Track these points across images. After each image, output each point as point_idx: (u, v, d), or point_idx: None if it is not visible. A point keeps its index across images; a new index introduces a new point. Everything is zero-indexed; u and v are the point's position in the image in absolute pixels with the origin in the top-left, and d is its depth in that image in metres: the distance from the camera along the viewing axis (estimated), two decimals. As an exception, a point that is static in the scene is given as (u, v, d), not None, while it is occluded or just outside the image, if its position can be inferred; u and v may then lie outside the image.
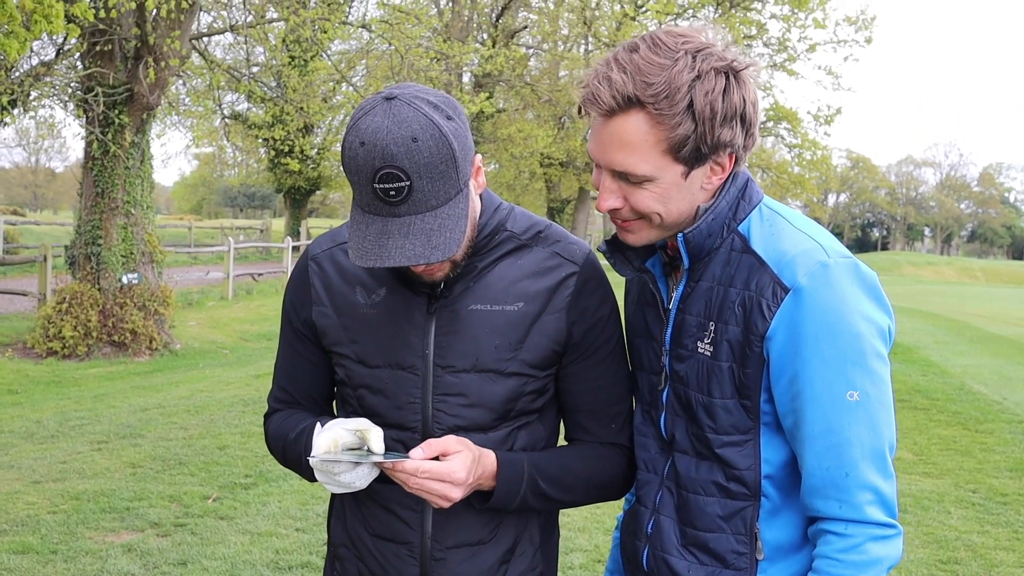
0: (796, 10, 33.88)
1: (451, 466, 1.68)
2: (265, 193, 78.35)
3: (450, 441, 1.71)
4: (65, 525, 5.52)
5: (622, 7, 33.23)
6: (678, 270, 1.77)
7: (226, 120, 26.61)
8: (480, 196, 1.83)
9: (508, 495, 1.79)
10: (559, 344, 1.83)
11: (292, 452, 1.92)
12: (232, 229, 44.80)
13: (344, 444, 1.72)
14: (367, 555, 1.91)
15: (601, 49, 32.67)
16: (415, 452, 1.68)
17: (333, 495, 2.02)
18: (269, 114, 18.93)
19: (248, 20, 13.99)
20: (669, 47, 1.55)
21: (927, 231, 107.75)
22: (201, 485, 6.41)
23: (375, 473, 1.74)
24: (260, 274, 23.55)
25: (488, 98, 25.22)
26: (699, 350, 1.68)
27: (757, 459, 1.65)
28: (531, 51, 32.29)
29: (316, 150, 34.12)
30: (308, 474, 1.87)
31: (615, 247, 1.81)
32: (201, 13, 15.23)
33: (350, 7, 27.35)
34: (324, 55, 19.14)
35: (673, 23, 35.18)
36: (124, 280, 13.47)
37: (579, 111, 1.65)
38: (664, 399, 1.78)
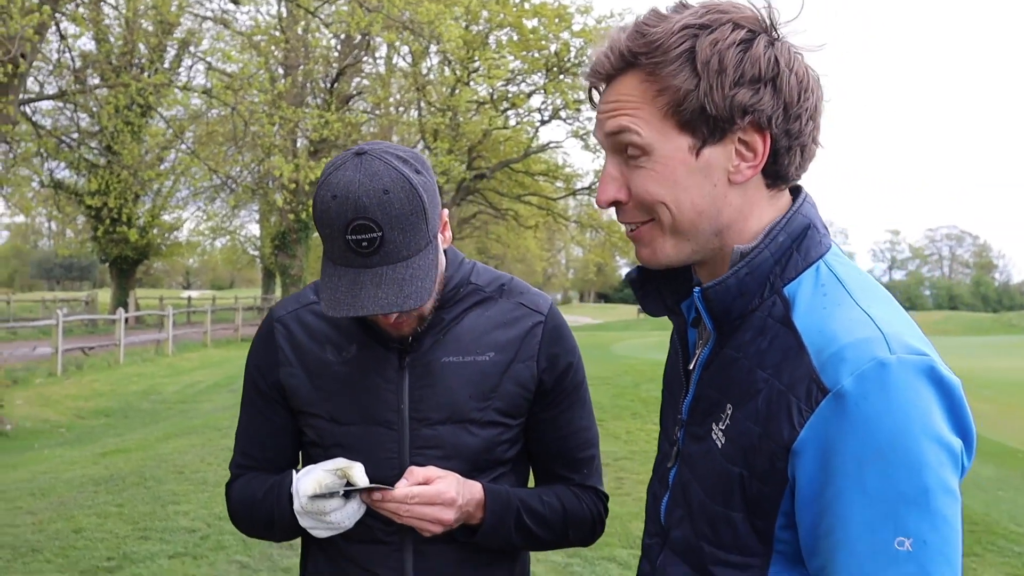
0: (622, 76, 35.19)
1: (439, 487, 1.68)
2: (84, 264, 74.93)
3: (432, 468, 1.72)
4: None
5: (453, 72, 33.76)
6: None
7: (44, 188, 25.46)
8: (445, 251, 1.85)
9: (496, 528, 1.80)
10: (529, 392, 1.86)
11: (261, 511, 1.87)
12: (55, 302, 42.54)
13: (326, 487, 1.70)
14: None
15: (434, 114, 33.08)
16: (399, 484, 1.68)
17: (304, 562, 1.97)
18: (96, 182, 18.19)
19: (76, 86, 13.49)
20: (688, 4, 1.28)
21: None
22: (60, 572, 6.00)
23: (363, 510, 1.73)
24: (91, 348, 22.40)
25: (312, 163, 25.06)
26: (712, 434, 1.30)
27: None
28: (369, 115, 32.26)
29: (142, 218, 33.00)
30: (280, 532, 1.85)
31: (647, 277, 1.47)
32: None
33: (176, 73, 26.79)
34: (159, 117, 18.62)
35: (504, 88, 36.03)
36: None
37: (589, 98, 1.36)
38: (671, 480, 1.42)
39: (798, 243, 1.29)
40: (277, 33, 26.11)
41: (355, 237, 1.59)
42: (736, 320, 1.30)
